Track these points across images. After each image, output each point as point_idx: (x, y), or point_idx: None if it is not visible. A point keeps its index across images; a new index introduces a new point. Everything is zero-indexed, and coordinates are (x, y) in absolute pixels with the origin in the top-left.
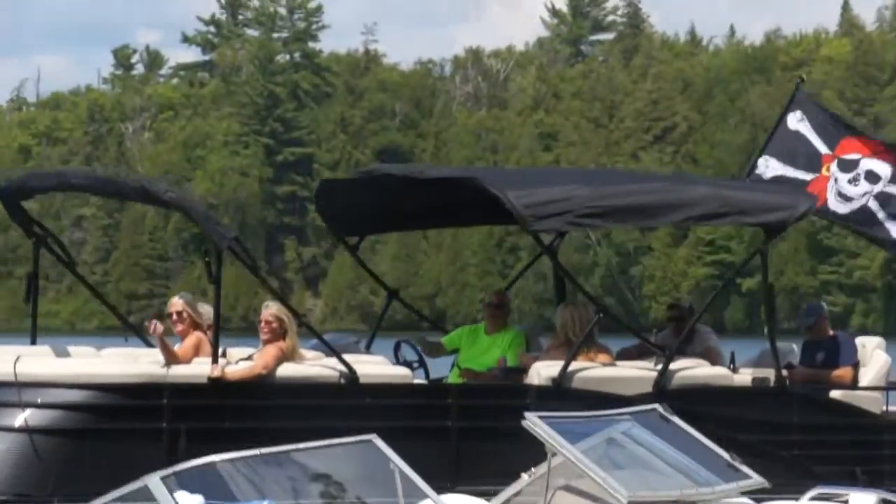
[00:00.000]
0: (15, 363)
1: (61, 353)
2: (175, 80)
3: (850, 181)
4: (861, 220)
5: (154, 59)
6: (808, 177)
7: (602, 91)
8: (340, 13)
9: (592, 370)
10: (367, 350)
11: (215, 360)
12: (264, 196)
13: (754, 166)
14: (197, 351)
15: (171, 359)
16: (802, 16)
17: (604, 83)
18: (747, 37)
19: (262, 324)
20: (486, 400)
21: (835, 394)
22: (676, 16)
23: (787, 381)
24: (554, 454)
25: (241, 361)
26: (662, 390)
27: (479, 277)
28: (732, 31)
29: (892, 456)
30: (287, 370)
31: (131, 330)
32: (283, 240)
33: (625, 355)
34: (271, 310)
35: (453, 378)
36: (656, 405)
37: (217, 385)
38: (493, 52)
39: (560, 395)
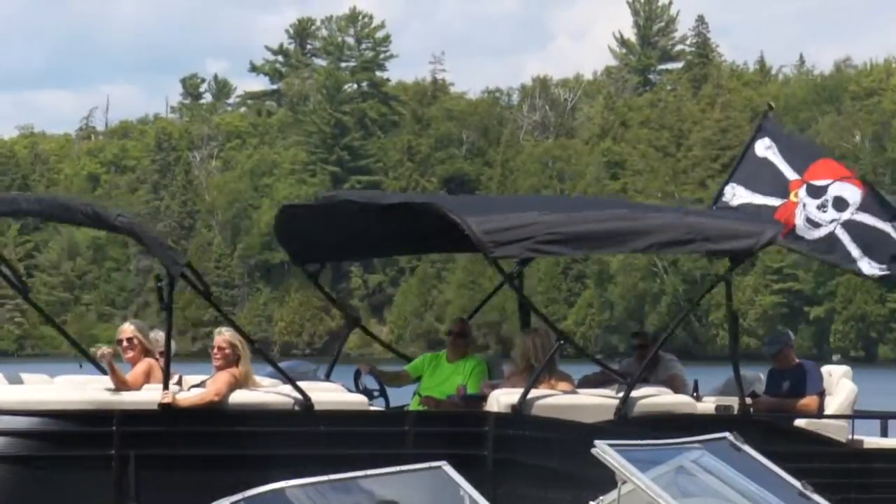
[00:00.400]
0: None
1: (13, 380)
2: (243, 109)
3: (818, 207)
4: (826, 248)
5: (222, 88)
6: (776, 202)
7: (670, 120)
8: (408, 43)
9: (553, 397)
10: (327, 378)
11: (166, 387)
12: None
13: (721, 194)
14: (148, 377)
15: (121, 385)
16: (873, 45)
17: (672, 112)
18: (817, 66)
19: (215, 350)
20: (444, 427)
21: (800, 422)
22: (745, 45)
23: (751, 409)
24: (624, 482)
25: (192, 388)
26: (624, 417)
27: (544, 305)
28: (802, 61)
29: (859, 484)
30: (241, 397)
31: (85, 356)
32: (348, 267)
33: (587, 383)
34: (224, 336)
35: (414, 405)
36: (726, 434)
37: (168, 411)
38: (561, 81)
39: (519, 422)
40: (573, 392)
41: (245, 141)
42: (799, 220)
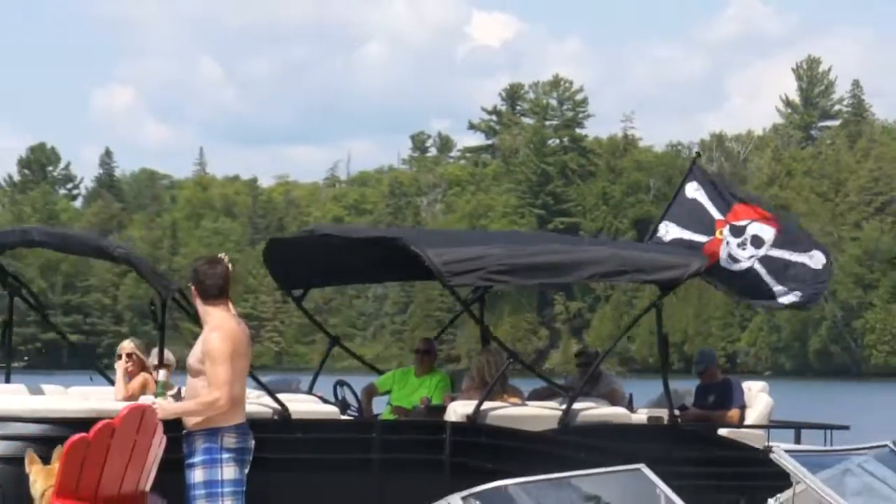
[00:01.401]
0: None
1: (35, 391)
2: (462, 161)
3: (739, 245)
4: (745, 285)
5: (445, 143)
6: (703, 239)
7: (829, 169)
8: (603, 103)
9: (504, 409)
10: (310, 391)
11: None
12: None
13: (655, 230)
14: (143, 389)
15: (123, 395)
16: None
17: (831, 163)
18: None
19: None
20: (408, 434)
21: (723, 431)
22: None
23: (679, 420)
24: (797, 482)
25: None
26: (566, 426)
27: (720, 329)
28: None
29: (773, 487)
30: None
31: (97, 371)
32: (553, 295)
33: (535, 396)
34: None
35: (386, 415)
36: (888, 442)
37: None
38: (735, 136)
39: (474, 430)
40: (522, 404)
41: (464, 188)
42: (723, 256)
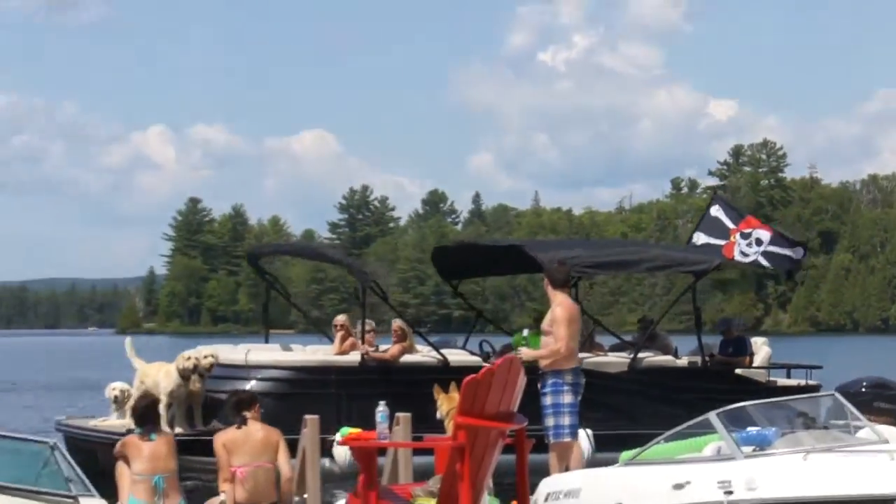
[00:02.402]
0: (246, 354)
1: (285, 348)
2: (704, 196)
3: (747, 245)
4: (753, 268)
5: (693, 184)
6: (722, 242)
7: None
8: (796, 156)
9: (592, 358)
10: (463, 347)
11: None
12: None
13: (691, 238)
14: (351, 348)
15: (337, 351)
16: None
17: None
18: None
19: (395, 330)
20: (528, 376)
21: (738, 371)
22: None
23: (709, 364)
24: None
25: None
26: (633, 369)
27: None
28: None
29: None
30: (408, 358)
31: (325, 335)
32: (766, 279)
33: (614, 349)
34: (397, 323)
35: None
36: (833, 391)
37: (362, 367)
38: (885, 176)
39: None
40: (605, 354)
41: None
42: (736, 253)
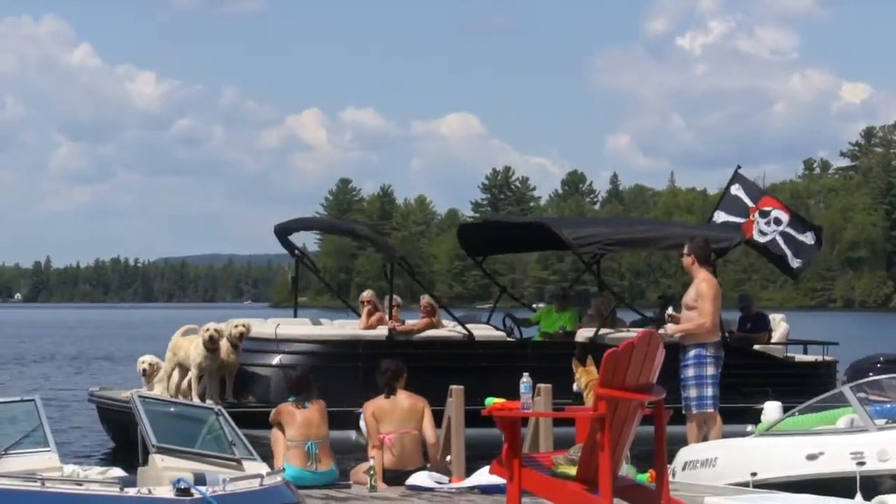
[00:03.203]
0: (276, 327)
1: (315, 322)
2: (836, 175)
3: (765, 223)
4: (772, 249)
5: (825, 165)
6: (741, 220)
7: None
8: None
9: (611, 333)
10: (488, 322)
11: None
12: None
13: (711, 216)
14: (378, 322)
15: (364, 326)
16: None
17: None
18: None
19: (423, 305)
20: (552, 350)
21: (757, 347)
22: None
23: (728, 339)
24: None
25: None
26: None
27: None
28: None
29: (790, 381)
30: (433, 332)
31: (352, 310)
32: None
33: (634, 324)
34: (426, 299)
35: (537, 337)
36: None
37: (388, 341)
38: None
39: (593, 346)
40: (627, 330)
41: (837, 192)
42: (754, 231)
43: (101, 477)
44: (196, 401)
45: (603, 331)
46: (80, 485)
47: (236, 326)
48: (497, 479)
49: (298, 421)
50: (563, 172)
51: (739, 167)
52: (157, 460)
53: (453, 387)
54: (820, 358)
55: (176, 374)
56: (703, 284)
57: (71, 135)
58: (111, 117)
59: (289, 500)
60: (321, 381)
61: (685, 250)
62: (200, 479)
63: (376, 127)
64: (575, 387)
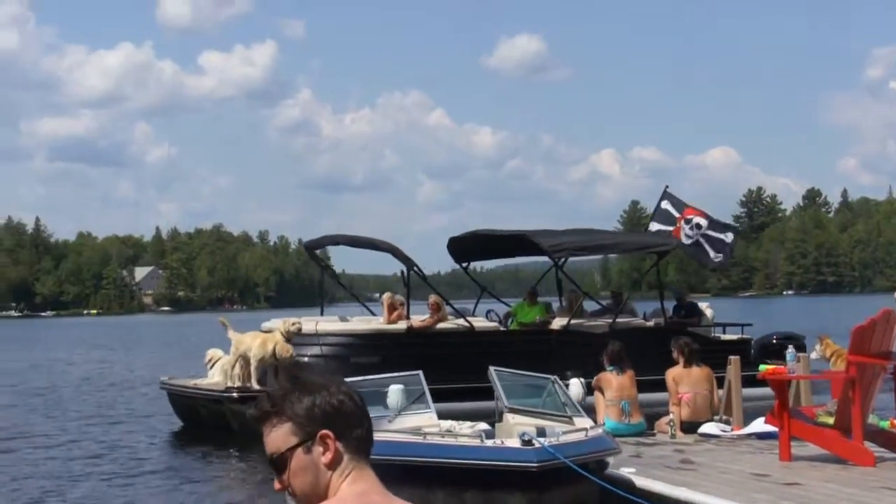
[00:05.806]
0: (316, 324)
1: (342, 319)
2: None
3: (689, 229)
4: (695, 251)
5: None
6: (670, 228)
7: None
8: None
9: (579, 322)
10: (472, 314)
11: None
12: None
13: (647, 227)
14: (398, 318)
15: (385, 321)
16: None
17: None
18: None
19: (430, 304)
20: (530, 337)
21: (690, 329)
22: None
23: (666, 324)
24: None
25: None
26: (612, 330)
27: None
28: None
29: (718, 356)
30: (441, 325)
31: (367, 310)
32: None
33: (596, 314)
34: (433, 298)
35: (513, 326)
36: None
37: (409, 334)
38: None
39: (566, 334)
40: (593, 319)
41: None
42: (682, 236)
43: (469, 431)
44: (256, 386)
45: (574, 321)
46: (454, 437)
47: (293, 324)
48: (770, 428)
49: (615, 385)
50: (802, 189)
51: (668, 186)
52: (509, 418)
53: (732, 357)
54: (737, 336)
55: (238, 366)
56: None
57: (431, 175)
58: (460, 161)
59: (609, 447)
60: (353, 366)
61: None
62: (541, 432)
63: (657, 160)
64: (814, 354)
